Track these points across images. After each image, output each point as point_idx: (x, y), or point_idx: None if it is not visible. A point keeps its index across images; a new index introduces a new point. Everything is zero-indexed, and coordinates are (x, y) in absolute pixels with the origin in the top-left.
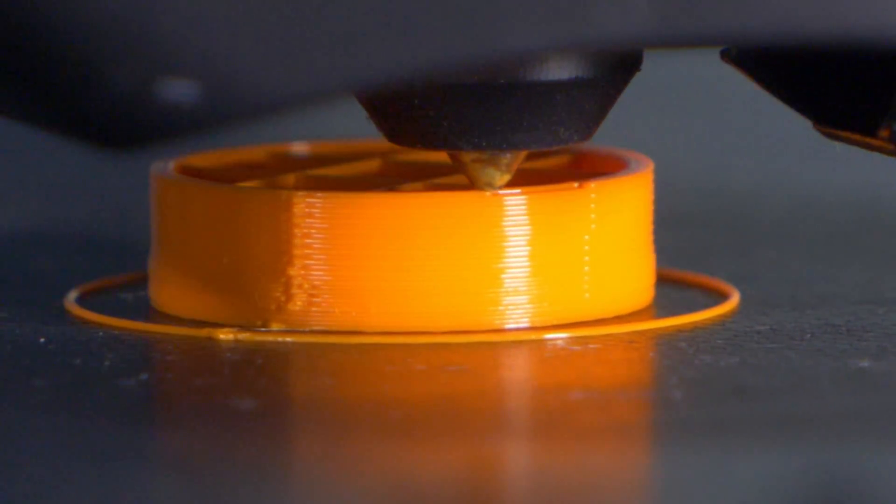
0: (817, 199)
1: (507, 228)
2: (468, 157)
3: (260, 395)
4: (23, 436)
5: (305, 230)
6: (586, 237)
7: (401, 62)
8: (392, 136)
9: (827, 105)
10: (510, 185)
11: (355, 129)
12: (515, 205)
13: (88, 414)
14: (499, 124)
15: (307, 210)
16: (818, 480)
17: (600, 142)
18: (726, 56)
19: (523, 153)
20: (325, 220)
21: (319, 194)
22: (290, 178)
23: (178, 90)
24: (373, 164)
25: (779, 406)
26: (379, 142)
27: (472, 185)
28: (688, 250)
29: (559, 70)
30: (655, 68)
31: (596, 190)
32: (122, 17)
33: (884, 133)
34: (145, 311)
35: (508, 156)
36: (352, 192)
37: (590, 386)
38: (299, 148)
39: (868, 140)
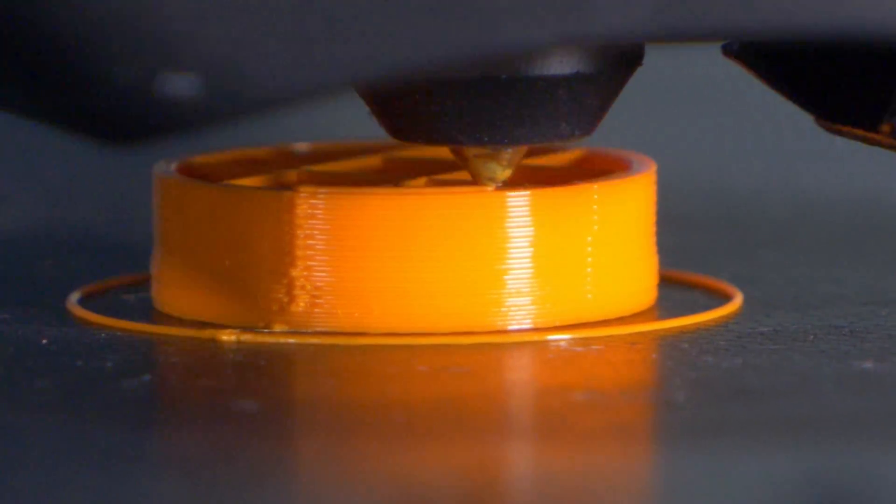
0: (821, 201)
1: (510, 229)
2: (470, 151)
3: (262, 397)
4: (24, 437)
5: (308, 231)
6: (589, 238)
7: (403, 57)
8: (394, 131)
9: (829, 100)
10: (513, 185)
11: (357, 129)
12: (518, 205)
13: (91, 416)
14: (500, 119)
15: (309, 211)
16: (821, 482)
17: (603, 142)
18: (728, 51)
19: (525, 148)
20: (327, 220)
21: (322, 195)
22: (292, 175)
23: (181, 85)
24: (374, 161)
25: (782, 408)
26: (380, 140)
27: (473, 179)
28: (690, 251)
29: (561, 64)
30: (659, 68)
31: (599, 191)
32: (124, 12)
33: (885, 128)
34: (147, 312)
35: (510, 150)
36: (353, 189)
37: (593, 388)
38: (300, 146)
39: (869, 135)
